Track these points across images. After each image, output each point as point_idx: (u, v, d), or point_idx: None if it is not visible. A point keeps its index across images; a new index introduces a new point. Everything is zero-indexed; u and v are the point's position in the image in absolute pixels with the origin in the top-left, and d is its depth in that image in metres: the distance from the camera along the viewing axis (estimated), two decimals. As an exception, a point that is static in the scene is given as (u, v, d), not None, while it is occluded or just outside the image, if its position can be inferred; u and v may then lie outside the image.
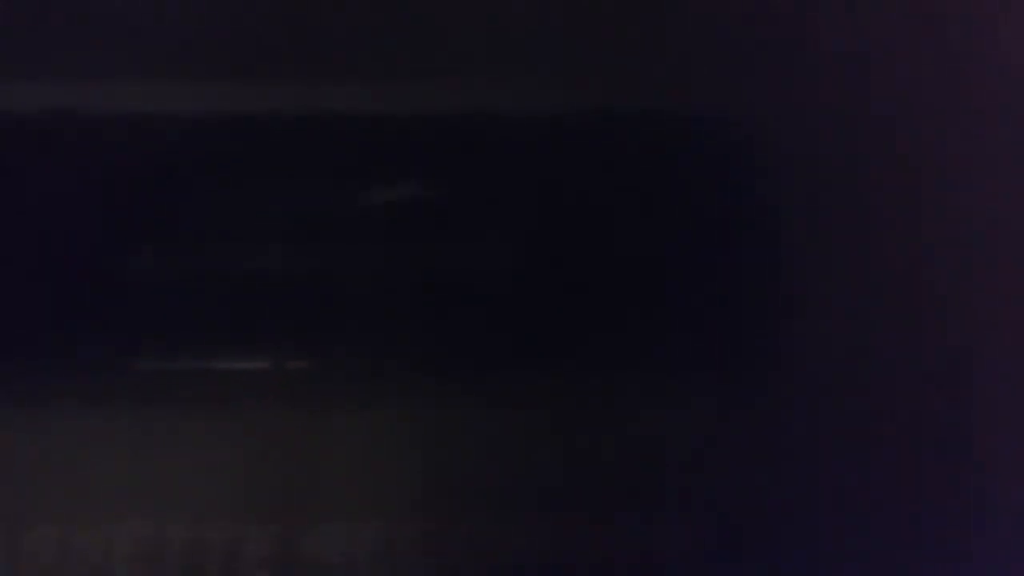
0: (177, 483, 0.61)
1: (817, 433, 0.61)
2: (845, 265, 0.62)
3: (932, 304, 0.62)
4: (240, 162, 0.64)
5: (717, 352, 0.63)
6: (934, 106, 0.63)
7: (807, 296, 0.62)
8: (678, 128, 0.63)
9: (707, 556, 0.61)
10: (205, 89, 0.63)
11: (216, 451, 0.61)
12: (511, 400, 0.62)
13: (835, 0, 0.63)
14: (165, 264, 0.63)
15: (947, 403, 0.62)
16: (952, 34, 0.64)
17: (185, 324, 0.63)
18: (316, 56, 0.63)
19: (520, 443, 0.62)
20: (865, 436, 0.61)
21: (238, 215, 0.64)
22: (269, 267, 0.63)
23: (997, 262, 0.63)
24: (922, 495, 0.61)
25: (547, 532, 0.61)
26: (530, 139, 0.63)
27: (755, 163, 0.63)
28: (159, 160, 0.63)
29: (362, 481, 0.62)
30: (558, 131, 0.63)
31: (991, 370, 0.62)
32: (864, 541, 0.61)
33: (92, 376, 0.62)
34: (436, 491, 0.62)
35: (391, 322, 0.63)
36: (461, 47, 0.63)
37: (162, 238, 0.63)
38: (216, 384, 0.62)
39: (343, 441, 0.62)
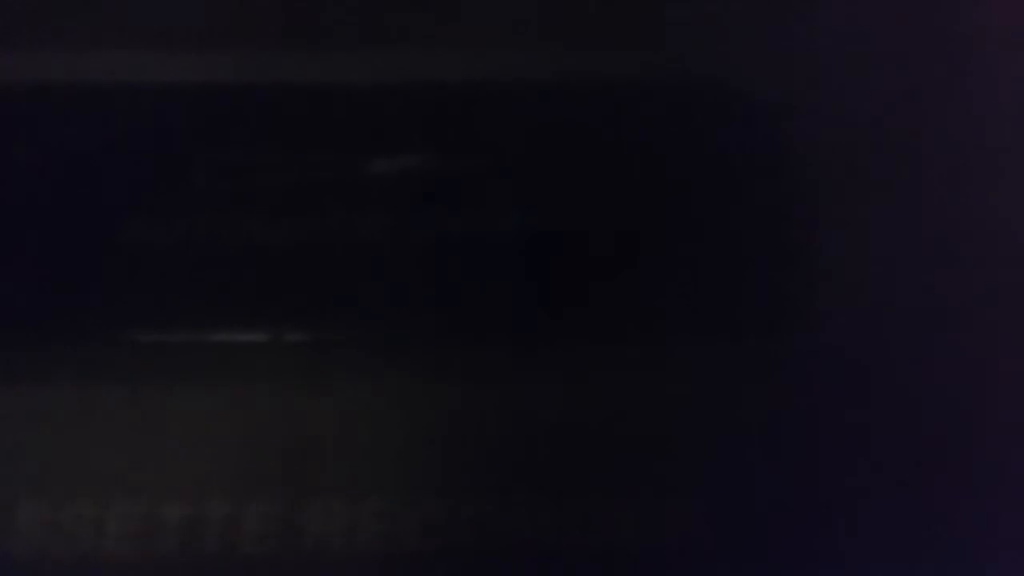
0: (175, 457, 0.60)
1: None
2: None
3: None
4: (242, 132, 0.63)
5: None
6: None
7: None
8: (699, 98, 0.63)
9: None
10: (206, 58, 0.62)
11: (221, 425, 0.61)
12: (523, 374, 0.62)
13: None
14: (166, 236, 0.63)
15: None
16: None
17: (186, 296, 0.62)
18: (318, 25, 0.63)
19: (536, 417, 0.61)
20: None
21: (240, 185, 0.63)
22: (271, 239, 0.63)
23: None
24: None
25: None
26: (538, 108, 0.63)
27: (775, 130, 0.62)
28: (161, 131, 0.63)
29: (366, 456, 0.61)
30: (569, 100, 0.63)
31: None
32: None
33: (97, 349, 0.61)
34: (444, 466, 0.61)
35: (397, 295, 0.62)
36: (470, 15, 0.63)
37: (163, 209, 0.63)
38: (217, 357, 0.62)
39: (349, 417, 0.61)
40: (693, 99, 0.63)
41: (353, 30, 0.63)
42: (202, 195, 0.63)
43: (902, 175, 0.62)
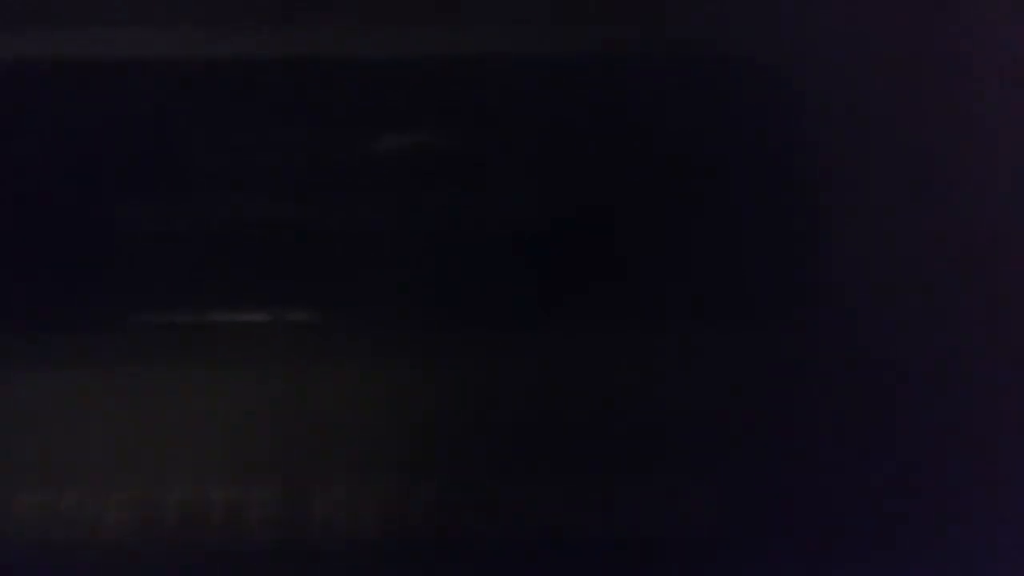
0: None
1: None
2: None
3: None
4: (242, 113, 0.62)
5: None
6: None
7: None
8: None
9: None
10: (207, 36, 0.61)
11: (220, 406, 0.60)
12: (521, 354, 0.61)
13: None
14: (167, 218, 0.62)
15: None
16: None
17: (187, 279, 0.61)
18: (318, 2, 0.62)
19: (541, 403, 0.61)
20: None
21: (240, 162, 0.62)
22: (272, 220, 0.62)
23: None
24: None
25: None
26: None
27: (769, 102, 0.61)
28: (161, 110, 0.62)
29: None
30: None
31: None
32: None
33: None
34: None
35: (399, 277, 0.62)
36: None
37: (163, 191, 0.62)
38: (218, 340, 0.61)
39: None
40: (699, 78, 0.62)
41: (353, 7, 0.62)
42: (203, 176, 0.62)
43: (912, 159, 0.61)
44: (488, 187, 0.62)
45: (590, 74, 0.62)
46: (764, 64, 0.62)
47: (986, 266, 0.61)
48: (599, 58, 0.62)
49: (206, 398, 0.60)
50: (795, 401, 0.61)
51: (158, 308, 0.61)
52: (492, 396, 0.61)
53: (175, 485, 0.60)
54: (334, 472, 0.60)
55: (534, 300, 0.62)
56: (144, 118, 0.62)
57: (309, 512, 0.60)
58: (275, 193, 0.62)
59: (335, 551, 0.60)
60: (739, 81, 0.62)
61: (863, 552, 0.60)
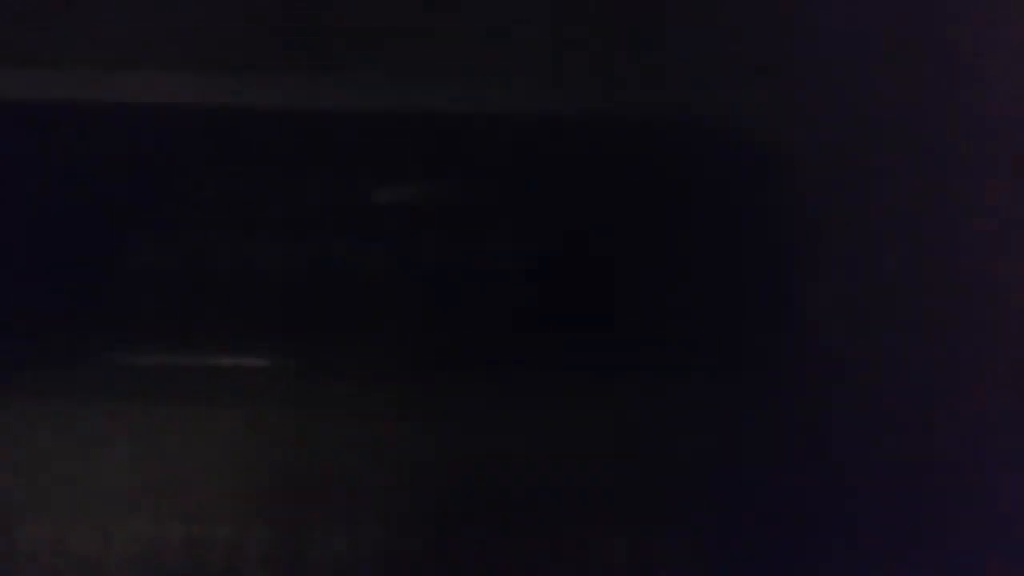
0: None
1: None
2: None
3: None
4: (242, 156, 0.63)
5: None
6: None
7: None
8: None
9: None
10: (206, 81, 0.62)
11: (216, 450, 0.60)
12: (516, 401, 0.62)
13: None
14: (167, 259, 0.62)
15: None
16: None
17: (188, 320, 0.62)
18: (321, 50, 0.63)
19: (538, 448, 0.61)
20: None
21: (239, 210, 0.63)
22: (273, 263, 0.62)
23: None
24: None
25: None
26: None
27: (762, 166, 0.63)
28: (157, 154, 0.62)
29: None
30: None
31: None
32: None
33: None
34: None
35: (396, 322, 0.62)
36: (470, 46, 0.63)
37: (161, 233, 0.62)
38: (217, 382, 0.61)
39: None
40: (692, 135, 0.63)
41: (353, 57, 0.63)
42: (199, 219, 0.62)
43: (905, 213, 0.63)
44: (484, 239, 0.63)
45: (586, 131, 0.63)
46: (757, 130, 0.63)
47: (986, 326, 0.62)
48: (596, 116, 0.63)
49: (205, 440, 0.60)
50: (780, 452, 0.61)
51: (159, 349, 0.61)
52: (486, 444, 0.61)
53: (171, 526, 0.59)
54: (331, 516, 0.60)
55: (530, 351, 0.62)
56: (141, 163, 0.62)
57: (306, 555, 0.60)
58: (273, 238, 0.63)
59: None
60: (732, 145, 0.63)
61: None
